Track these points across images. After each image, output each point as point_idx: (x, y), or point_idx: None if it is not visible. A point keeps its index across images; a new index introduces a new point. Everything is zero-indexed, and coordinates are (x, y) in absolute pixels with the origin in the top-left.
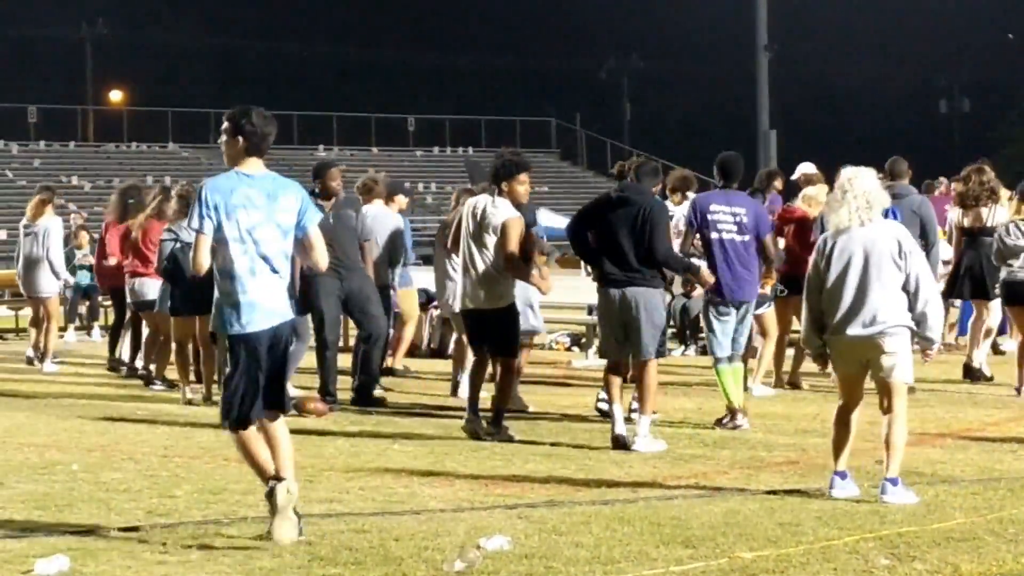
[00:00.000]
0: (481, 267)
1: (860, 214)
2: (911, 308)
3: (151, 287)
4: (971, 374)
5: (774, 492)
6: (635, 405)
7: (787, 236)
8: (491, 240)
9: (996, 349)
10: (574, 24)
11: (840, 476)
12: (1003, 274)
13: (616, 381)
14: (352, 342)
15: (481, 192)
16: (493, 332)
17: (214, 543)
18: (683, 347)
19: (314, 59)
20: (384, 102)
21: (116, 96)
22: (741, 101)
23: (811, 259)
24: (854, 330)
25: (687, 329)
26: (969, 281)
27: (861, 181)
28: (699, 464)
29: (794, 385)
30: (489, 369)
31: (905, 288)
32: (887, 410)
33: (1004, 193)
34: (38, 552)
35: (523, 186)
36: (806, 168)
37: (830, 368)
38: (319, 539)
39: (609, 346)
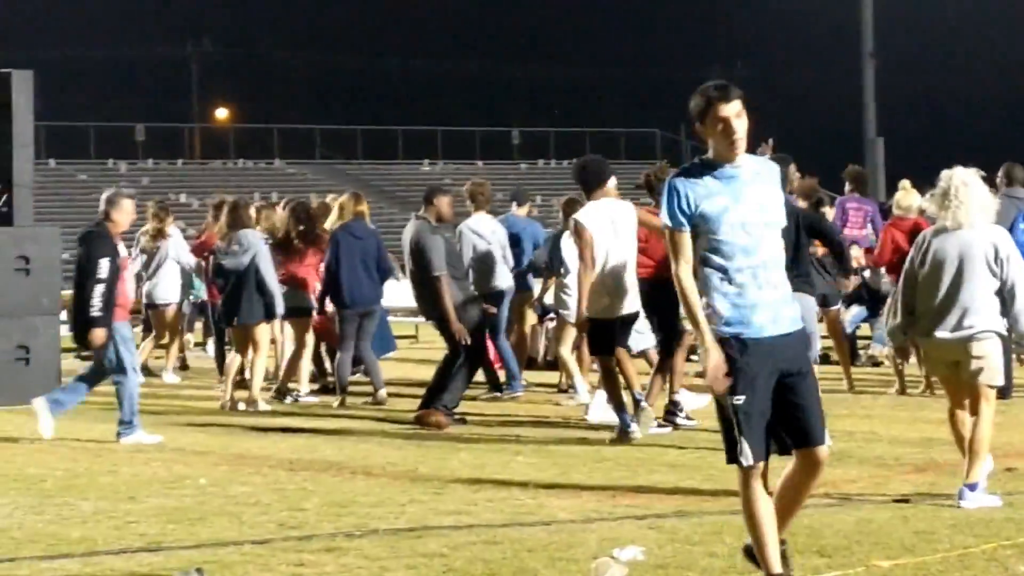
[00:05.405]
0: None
1: (971, 218)
2: (1007, 311)
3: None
4: None
5: (905, 500)
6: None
7: None
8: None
9: None
10: (678, 34)
11: (970, 488)
12: None
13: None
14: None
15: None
16: None
17: (347, 555)
18: None
19: (417, 74)
20: (488, 115)
21: (222, 114)
22: (847, 109)
23: (909, 254)
24: (942, 332)
25: None
26: None
27: (975, 188)
28: (826, 472)
29: None
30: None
31: (1001, 293)
32: (972, 413)
33: None
34: (175, 565)
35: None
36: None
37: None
38: (451, 551)
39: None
